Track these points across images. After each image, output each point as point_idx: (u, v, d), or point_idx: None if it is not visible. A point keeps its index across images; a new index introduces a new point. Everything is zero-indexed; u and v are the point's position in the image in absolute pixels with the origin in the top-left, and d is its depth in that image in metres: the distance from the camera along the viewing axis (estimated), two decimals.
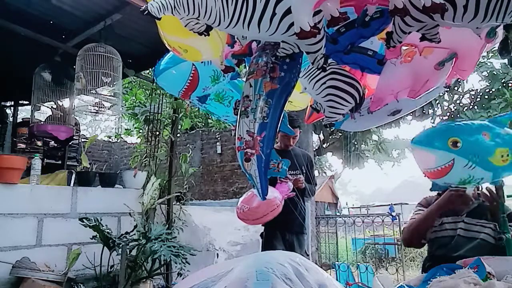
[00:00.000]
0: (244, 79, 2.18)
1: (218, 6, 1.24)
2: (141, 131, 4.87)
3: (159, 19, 1.30)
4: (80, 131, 5.32)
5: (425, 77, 1.67)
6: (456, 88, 7.58)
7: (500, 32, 1.55)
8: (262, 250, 3.06)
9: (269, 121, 1.54)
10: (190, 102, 2.51)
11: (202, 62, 1.96)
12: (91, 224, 2.62)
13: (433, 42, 1.33)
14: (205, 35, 1.48)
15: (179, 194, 4.00)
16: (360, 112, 1.94)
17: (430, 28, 1.28)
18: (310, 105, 2.15)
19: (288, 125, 2.45)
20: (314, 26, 1.21)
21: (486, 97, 7.52)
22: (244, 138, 1.55)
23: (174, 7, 1.28)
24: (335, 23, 1.25)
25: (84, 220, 2.63)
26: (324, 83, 1.79)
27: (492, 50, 6.93)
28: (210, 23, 1.34)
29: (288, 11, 1.20)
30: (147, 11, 1.26)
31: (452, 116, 7.71)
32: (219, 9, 1.25)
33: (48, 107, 4.16)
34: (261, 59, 1.60)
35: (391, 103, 1.90)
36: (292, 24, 1.23)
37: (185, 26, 1.44)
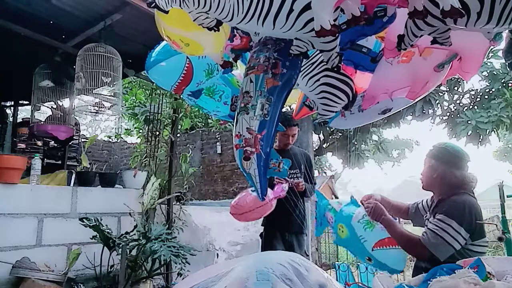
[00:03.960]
0: (235, 73, 2.14)
1: (232, 1, 1.18)
2: (141, 131, 4.88)
3: (167, 12, 1.24)
4: (80, 131, 5.32)
5: (425, 78, 1.66)
6: (456, 88, 7.56)
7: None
8: (262, 250, 3.06)
9: (269, 118, 1.47)
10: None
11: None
12: (91, 224, 2.62)
13: (445, 45, 1.30)
14: (215, 31, 1.40)
15: (179, 194, 4.00)
16: (351, 110, 1.92)
17: (442, 32, 1.25)
18: (303, 102, 2.13)
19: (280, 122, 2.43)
20: (334, 25, 1.15)
21: (486, 97, 7.50)
22: (244, 136, 1.47)
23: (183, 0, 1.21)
24: (356, 22, 1.20)
25: (84, 220, 2.63)
26: (318, 80, 1.75)
27: (492, 50, 6.92)
28: (221, 18, 1.27)
29: (306, 8, 1.15)
30: (154, 3, 1.20)
31: (452, 116, 7.68)
32: (233, 4, 1.18)
33: (48, 107, 4.16)
34: (262, 54, 1.53)
35: (383, 102, 1.88)
36: (309, 21, 1.17)
37: (194, 20, 1.35)
